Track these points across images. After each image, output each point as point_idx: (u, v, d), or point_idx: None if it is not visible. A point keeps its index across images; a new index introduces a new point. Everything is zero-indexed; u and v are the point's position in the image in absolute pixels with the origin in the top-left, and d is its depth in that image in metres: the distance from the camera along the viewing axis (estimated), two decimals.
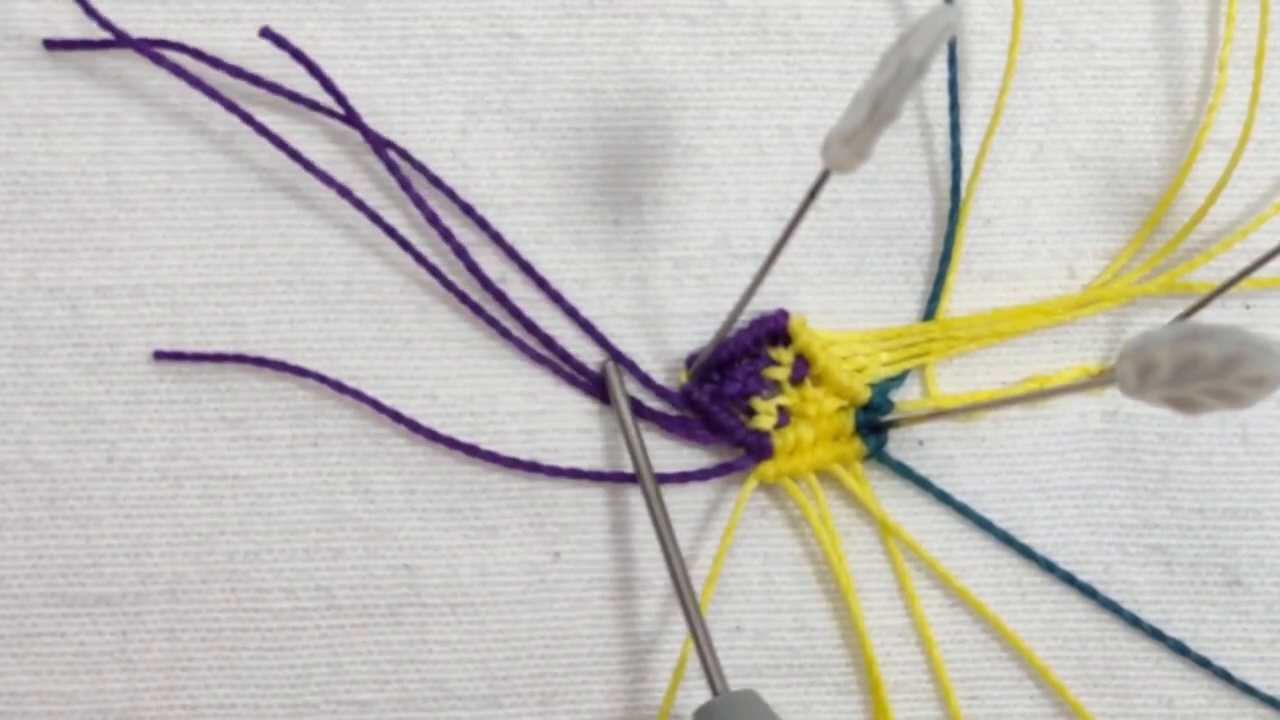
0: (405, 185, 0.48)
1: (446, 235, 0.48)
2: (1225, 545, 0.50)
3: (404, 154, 0.48)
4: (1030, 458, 0.50)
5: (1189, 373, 0.35)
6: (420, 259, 0.48)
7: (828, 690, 0.49)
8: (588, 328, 0.49)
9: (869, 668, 0.48)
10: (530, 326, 0.49)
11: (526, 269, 0.49)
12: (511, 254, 0.49)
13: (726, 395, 0.49)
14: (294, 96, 0.48)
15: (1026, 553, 0.49)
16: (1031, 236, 0.50)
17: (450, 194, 0.49)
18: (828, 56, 0.50)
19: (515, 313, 0.49)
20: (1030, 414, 0.50)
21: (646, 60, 0.50)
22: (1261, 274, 0.49)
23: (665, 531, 0.44)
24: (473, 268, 0.48)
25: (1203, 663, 0.49)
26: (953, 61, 0.50)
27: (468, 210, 0.49)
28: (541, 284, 0.49)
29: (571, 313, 0.49)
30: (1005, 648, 0.50)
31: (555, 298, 0.49)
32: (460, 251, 0.48)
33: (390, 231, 0.48)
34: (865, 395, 0.49)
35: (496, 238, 0.49)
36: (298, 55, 0.47)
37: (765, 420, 0.49)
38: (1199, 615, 0.50)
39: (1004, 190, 0.50)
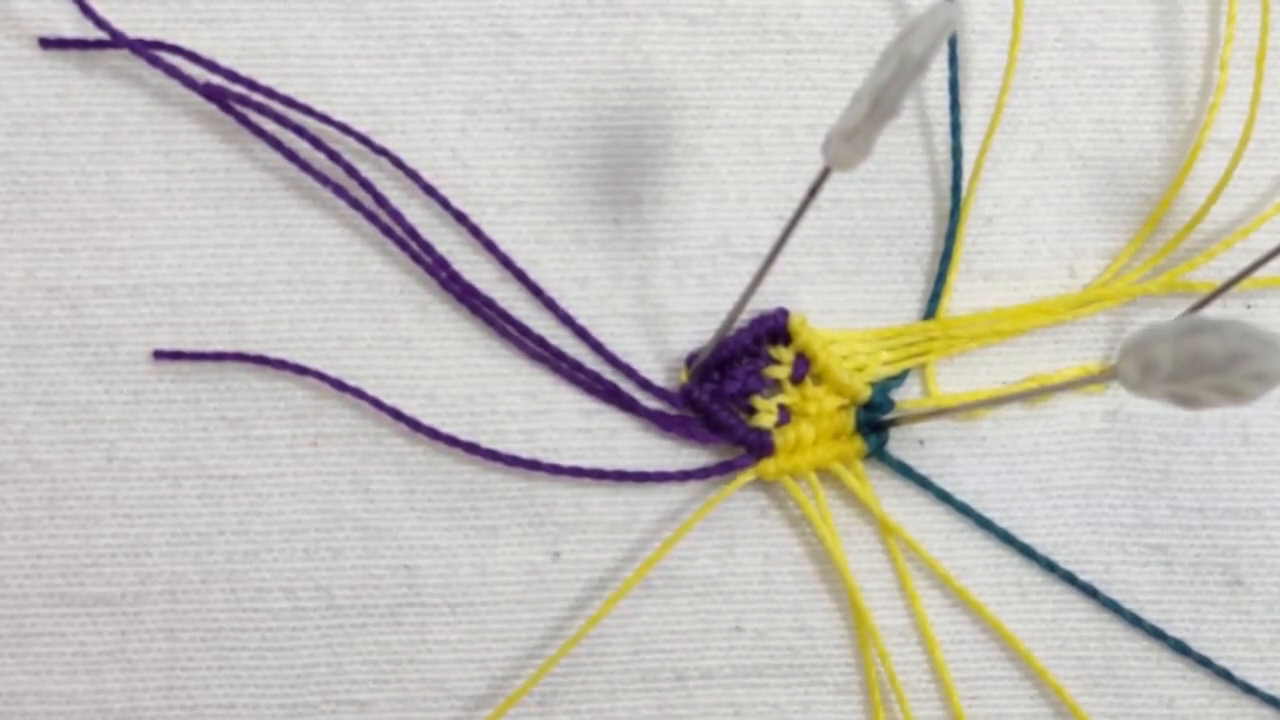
0: (381, 202, 0.48)
1: (428, 248, 0.48)
2: (1226, 545, 0.50)
3: (398, 162, 0.48)
4: (1031, 457, 0.50)
5: (1192, 368, 0.35)
6: (420, 259, 0.48)
7: (828, 690, 0.49)
8: (583, 335, 0.49)
9: (868, 667, 0.48)
10: (525, 330, 0.48)
11: (521, 277, 0.49)
12: (506, 262, 0.49)
13: (727, 394, 0.49)
14: (290, 102, 0.48)
15: (1027, 552, 0.49)
16: (1032, 236, 0.50)
17: (444, 203, 0.48)
18: (828, 56, 0.50)
19: (508, 317, 0.49)
20: (1031, 414, 0.50)
21: (646, 60, 0.50)
22: (1262, 273, 0.49)
23: None
24: (456, 277, 0.48)
25: (1204, 662, 0.49)
26: (953, 61, 0.50)
27: (461, 219, 0.48)
28: (536, 291, 0.49)
29: (567, 319, 0.49)
30: (1005, 648, 0.49)
31: (550, 305, 0.49)
32: (443, 263, 0.48)
33: (389, 231, 0.48)
34: (866, 394, 0.48)
35: (490, 245, 0.49)
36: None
37: (766, 419, 0.49)
38: (1200, 615, 0.50)
39: (1005, 189, 0.50)
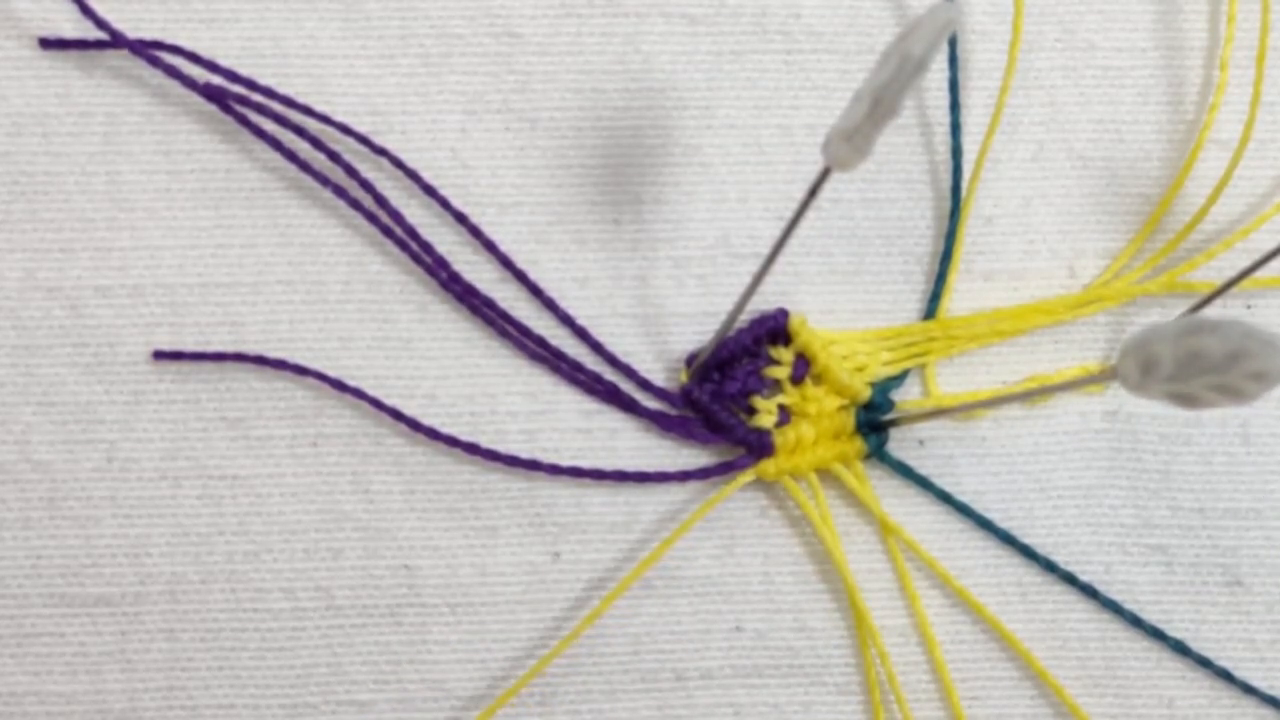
0: (381, 202, 0.48)
1: (428, 248, 0.48)
2: (1226, 545, 0.50)
3: (398, 162, 0.48)
4: (1031, 458, 0.50)
5: (1192, 368, 0.35)
6: (420, 259, 0.48)
7: (828, 690, 0.49)
8: (583, 335, 0.49)
9: (868, 667, 0.48)
10: (525, 330, 0.48)
11: (520, 277, 0.49)
12: (506, 263, 0.49)
13: (727, 394, 0.49)
14: (290, 102, 0.48)
15: (1027, 553, 0.49)
16: (1032, 236, 0.50)
17: (444, 203, 0.48)
18: (828, 56, 0.50)
19: (508, 317, 0.49)
20: (1031, 414, 0.50)
21: (646, 60, 0.50)
22: (1262, 273, 0.49)
23: None
24: (456, 277, 0.48)
25: (1204, 663, 0.49)
26: (953, 61, 0.50)
27: (461, 219, 0.48)
28: (536, 291, 0.49)
29: (567, 320, 0.49)
30: (1005, 648, 0.49)
31: (550, 305, 0.49)
32: (443, 263, 0.48)
33: (389, 231, 0.48)
34: (866, 394, 0.48)
35: (490, 246, 0.49)
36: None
37: (766, 419, 0.49)
38: (1200, 615, 0.50)
39: (1005, 190, 0.50)
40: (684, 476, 0.49)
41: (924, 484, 0.49)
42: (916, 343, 0.50)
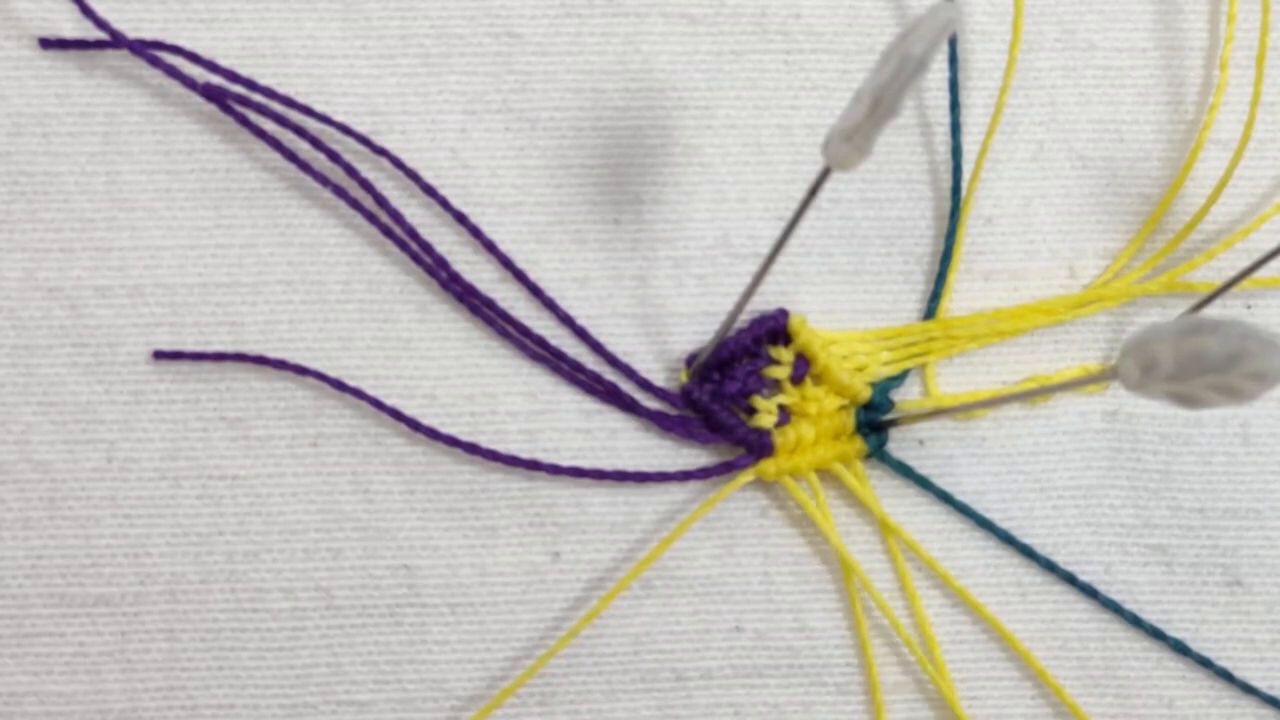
0: (381, 202, 0.48)
1: (428, 248, 0.48)
2: (1226, 545, 0.50)
3: (398, 162, 0.48)
4: (1031, 458, 0.50)
5: (1192, 368, 0.35)
6: (420, 259, 0.48)
7: (828, 690, 0.49)
8: (583, 335, 0.49)
9: (870, 667, 0.48)
10: (525, 330, 0.48)
11: (520, 277, 0.49)
12: (506, 263, 0.49)
13: (727, 394, 0.49)
14: (290, 102, 0.48)
15: (1027, 553, 0.49)
16: (1032, 236, 0.50)
17: (444, 203, 0.48)
18: (828, 56, 0.50)
19: (508, 317, 0.49)
20: (1031, 414, 0.50)
21: (646, 60, 0.50)
22: (1262, 273, 0.49)
23: None
24: (456, 277, 0.48)
25: (1204, 663, 0.49)
26: (953, 61, 0.50)
27: (461, 219, 0.48)
28: (536, 291, 0.49)
29: (567, 320, 0.49)
30: (1005, 648, 0.49)
31: (550, 305, 0.49)
32: (443, 263, 0.48)
33: (389, 231, 0.48)
34: (866, 394, 0.48)
35: (490, 246, 0.49)
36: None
37: (766, 419, 0.49)
38: (1200, 615, 0.50)
39: (1005, 190, 0.50)
40: (684, 476, 0.49)
41: (924, 484, 0.49)
42: (916, 343, 0.50)
